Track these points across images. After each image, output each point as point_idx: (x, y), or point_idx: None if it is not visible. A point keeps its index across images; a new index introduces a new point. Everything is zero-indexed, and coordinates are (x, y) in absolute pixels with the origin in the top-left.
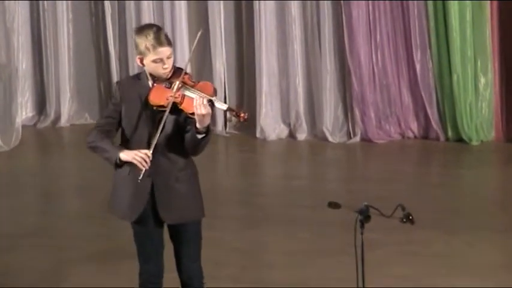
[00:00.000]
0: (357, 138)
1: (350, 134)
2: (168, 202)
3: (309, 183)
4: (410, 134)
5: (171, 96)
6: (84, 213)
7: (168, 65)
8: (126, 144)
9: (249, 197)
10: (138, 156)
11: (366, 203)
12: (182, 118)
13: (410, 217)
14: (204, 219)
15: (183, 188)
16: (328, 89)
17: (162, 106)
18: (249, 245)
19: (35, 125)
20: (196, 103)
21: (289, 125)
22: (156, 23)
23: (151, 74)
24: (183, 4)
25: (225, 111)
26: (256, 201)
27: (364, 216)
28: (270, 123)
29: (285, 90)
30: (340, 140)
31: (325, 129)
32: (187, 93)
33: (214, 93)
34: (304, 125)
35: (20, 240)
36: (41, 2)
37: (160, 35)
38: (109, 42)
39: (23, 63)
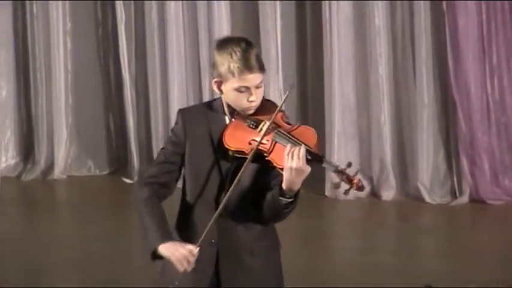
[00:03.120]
0: (465, 198)
1: (455, 192)
2: (237, 282)
3: (397, 259)
4: None
5: (255, 140)
6: None
7: (256, 97)
8: (186, 201)
9: (315, 275)
10: (178, 253)
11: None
12: (266, 171)
13: None
14: None
15: (258, 265)
16: (425, 129)
17: (242, 152)
18: None
19: (18, 176)
20: (288, 150)
21: (370, 179)
22: (188, 33)
23: (229, 106)
24: (225, 5)
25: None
26: (325, 281)
27: None
28: None
29: (365, 131)
30: (441, 200)
31: (420, 186)
32: (279, 139)
33: (317, 143)
34: (392, 179)
35: None
36: (28, 5)
37: (251, 56)
38: (122, 62)
39: (3, 90)
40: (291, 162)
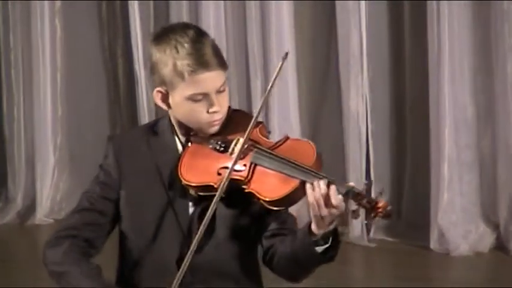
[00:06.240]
0: None
1: None
2: None
3: None
4: None
5: (227, 167)
6: None
7: (220, 105)
8: (130, 265)
9: None
10: None
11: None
12: (255, 210)
13: None
14: None
15: None
16: None
17: (209, 187)
18: None
19: None
20: (312, 195)
21: (496, 225)
22: (239, 31)
23: (182, 124)
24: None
25: (346, 199)
26: None
27: None
28: (458, 223)
29: (488, 159)
30: None
31: None
32: (260, 161)
33: (318, 161)
34: None
35: None
36: None
37: (205, 47)
38: (135, 57)
39: None
40: (321, 209)
